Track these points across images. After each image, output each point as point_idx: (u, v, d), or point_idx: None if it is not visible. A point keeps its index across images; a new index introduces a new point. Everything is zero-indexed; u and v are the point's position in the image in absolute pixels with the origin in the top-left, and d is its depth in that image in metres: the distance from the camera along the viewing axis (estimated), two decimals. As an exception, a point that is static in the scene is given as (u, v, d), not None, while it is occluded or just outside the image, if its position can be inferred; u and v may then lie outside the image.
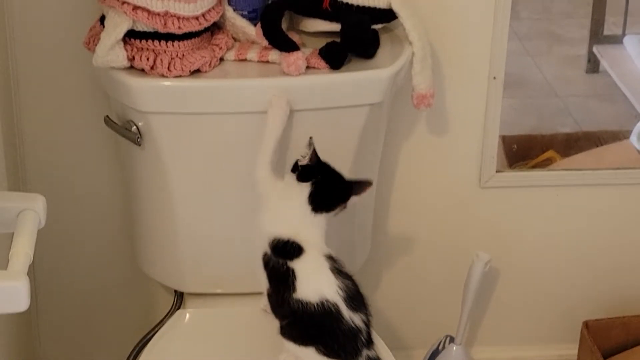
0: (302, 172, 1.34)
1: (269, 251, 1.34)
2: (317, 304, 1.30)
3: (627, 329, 1.79)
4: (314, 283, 1.31)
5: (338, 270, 1.33)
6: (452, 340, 1.78)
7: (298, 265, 1.32)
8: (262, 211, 1.36)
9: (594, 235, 1.81)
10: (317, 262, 1.33)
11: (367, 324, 1.33)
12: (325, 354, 1.32)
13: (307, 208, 1.34)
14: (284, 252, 1.33)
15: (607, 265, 1.83)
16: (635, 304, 1.84)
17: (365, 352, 1.32)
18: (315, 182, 1.34)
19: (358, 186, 1.36)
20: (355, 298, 1.32)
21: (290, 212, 1.35)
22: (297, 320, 1.32)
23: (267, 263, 1.34)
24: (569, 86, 2.32)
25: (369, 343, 1.33)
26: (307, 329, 1.32)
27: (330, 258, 1.34)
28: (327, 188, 1.35)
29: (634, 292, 1.84)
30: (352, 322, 1.31)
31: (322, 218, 1.35)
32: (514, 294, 1.84)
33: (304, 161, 1.34)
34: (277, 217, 1.35)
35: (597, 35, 2.31)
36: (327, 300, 1.30)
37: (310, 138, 1.34)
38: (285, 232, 1.33)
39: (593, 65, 2.32)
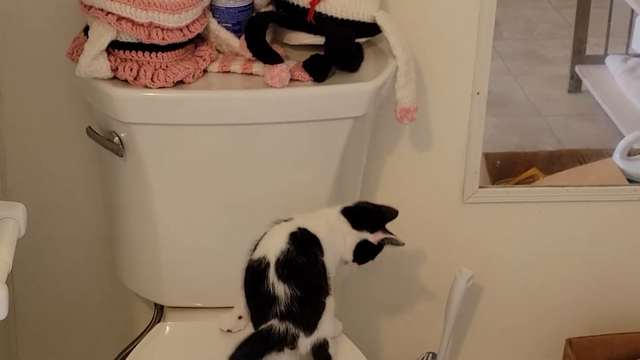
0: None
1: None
2: (255, 260, 1.31)
3: (610, 347, 1.79)
4: (268, 242, 1.33)
5: (303, 243, 1.32)
6: (434, 357, 1.77)
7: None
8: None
9: (577, 252, 1.81)
10: (289, 227, 1.33)
11: (293, 299, 1.28)
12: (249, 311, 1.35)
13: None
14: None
15: (591, 282, 1.83)
16: (619, 322, 1.84)
17: (282, 325, 1.28)
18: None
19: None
20: (293, 269, 1.29)
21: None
22: (245, 274, 1.34)
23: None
24: (552, 105, 2.34)
25: (296, 322, 1.29)
26: (245, 282, 1.34)
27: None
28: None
29: (618, 309, 1.84)
30: (272, 288, 1.29)
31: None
32: (497, 310, 1.84)
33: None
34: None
35: (579, 55, 2.33)
36: (264, 258, 1.30)
37: None
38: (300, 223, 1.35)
39: (575, 84, 2.33)
